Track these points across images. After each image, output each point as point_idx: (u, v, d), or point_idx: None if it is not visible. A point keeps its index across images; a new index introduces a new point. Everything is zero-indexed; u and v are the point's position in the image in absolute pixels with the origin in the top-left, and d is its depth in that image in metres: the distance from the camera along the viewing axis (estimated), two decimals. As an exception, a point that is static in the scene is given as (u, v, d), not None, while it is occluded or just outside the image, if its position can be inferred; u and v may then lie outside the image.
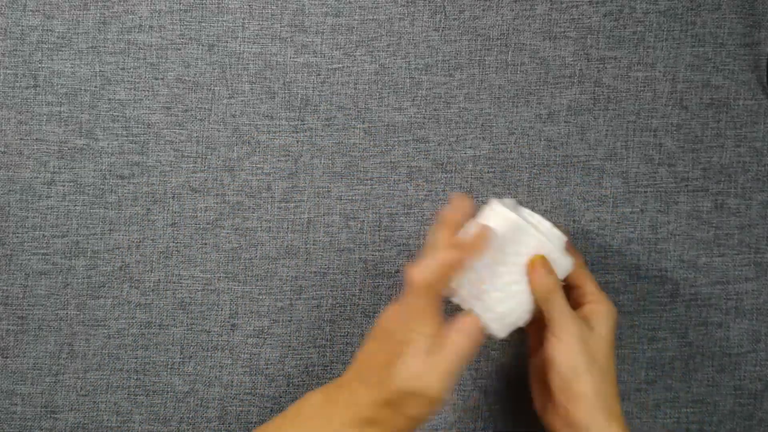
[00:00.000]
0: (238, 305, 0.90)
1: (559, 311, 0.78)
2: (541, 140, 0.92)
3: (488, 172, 0.91)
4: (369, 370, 0.75)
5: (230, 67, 0.90)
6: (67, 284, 0.89)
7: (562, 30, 0.92)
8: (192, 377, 0.90)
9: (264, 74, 0.90)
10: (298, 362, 0.90)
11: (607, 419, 0.77)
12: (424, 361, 0.73)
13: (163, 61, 0.90)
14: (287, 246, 0.90)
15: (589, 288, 0.82)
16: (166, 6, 0.89)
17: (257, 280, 0.90)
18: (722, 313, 0.92)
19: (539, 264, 0.78)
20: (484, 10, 0.91)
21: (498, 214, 0.80)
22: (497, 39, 0.91)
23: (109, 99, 0.89)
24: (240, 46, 0.90)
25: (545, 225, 0.81)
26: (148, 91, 0.90)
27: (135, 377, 0.89)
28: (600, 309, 0.80)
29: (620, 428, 0.77)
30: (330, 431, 0.73)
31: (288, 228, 0.90)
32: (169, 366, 0.89)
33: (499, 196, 0.91)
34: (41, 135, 0.89)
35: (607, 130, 0.92)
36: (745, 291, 0.92)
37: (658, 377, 0.92)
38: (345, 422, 0.74)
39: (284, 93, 0.90)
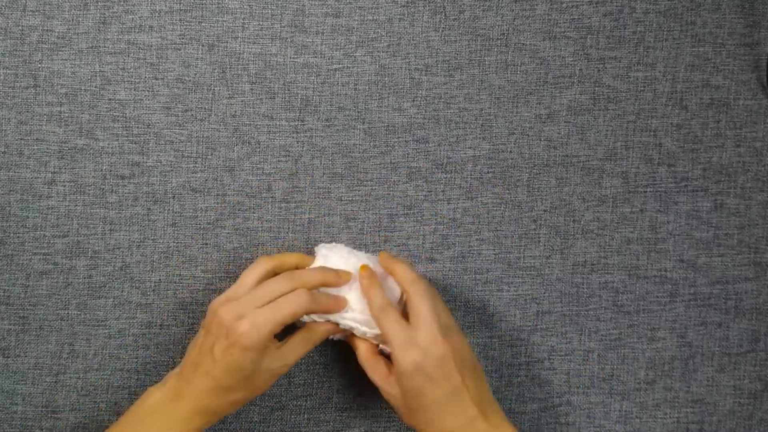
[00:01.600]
0: (238, 305, 0.90)
1: (387, 328, 0.81)
2: (541, 140, 0.92)
3: (488, 172, 0.91)
4: (202, 359, 0.80)
5: (230, 67, 0.90)
6: (68, 284, 0.89)
7: (562, 30, 0.92)
8: (192, 377, 0.90)
9: (264, 74, 0.90)
10: (299, 362, 0.90)
11: (458, 412, 0.79)
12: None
13: (163, 61, 0.90)
14: (288, 246, 0.90)
15: (403, 285, 0.83)
16: (166, 6, 0.89)
17: (257, 280, 0.90)
18: (722, 313, 0.92)
19: (366, 276, 0.83)
20: (484, 10, 0.91)
21: (334, 253, 0.86)
22: (497, 39, 0.91)
23: (109, 99, 0.89)
24: (240, 46, 0.90)
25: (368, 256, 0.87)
26: (148, 91, 0.90)
27: (136, 377, 0.89)
28: (413, 306, 0.81)
29: (472, 415, 0.79)
30: (175, 419, 0.79)
31: (288, 228, 0.90)
32: (170, 366, 0.89)
33: (498, 196, 0.91)
34: (41, 135, 0.89)
35: (607, 130, 0.92)
36: (745, 291, 0.93)
37: (658, 377, 0.92)
38: (189, 410, 0.79)
39: (284, 93, 0.90)
